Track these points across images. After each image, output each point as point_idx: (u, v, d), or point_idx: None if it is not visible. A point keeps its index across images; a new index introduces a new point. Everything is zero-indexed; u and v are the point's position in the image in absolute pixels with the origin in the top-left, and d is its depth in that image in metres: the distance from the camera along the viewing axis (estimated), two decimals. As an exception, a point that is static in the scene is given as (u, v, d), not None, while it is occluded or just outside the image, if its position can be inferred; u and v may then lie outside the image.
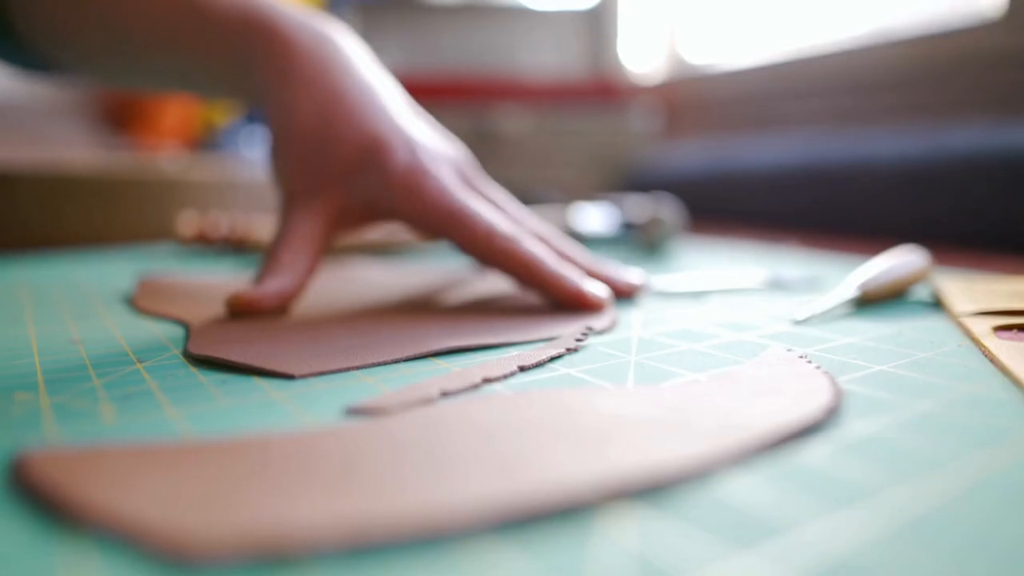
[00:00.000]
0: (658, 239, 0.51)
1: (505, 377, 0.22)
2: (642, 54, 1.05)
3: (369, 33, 1.01)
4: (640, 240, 0.51)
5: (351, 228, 0.33)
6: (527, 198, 0.72)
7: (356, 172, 0.32)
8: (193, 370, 0.22)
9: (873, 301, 0.32)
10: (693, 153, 0.83)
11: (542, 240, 0.35)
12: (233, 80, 0.35)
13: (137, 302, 0.33)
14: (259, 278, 0.30)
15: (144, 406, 0.19)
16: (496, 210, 0.35)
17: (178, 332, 0.27)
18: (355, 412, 0.18)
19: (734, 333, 0.27)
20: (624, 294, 0.34)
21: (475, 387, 0.21)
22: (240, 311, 0.29)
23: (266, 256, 0.31)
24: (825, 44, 0.77)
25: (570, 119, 0.90)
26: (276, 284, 0.29)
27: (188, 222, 0.53)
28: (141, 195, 0.61)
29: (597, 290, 0.31)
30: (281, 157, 0.32)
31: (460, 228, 0.31)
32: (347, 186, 0.32)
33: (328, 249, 0.33)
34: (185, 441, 0.16)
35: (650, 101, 1.01)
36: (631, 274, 0.35)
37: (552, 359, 0.24)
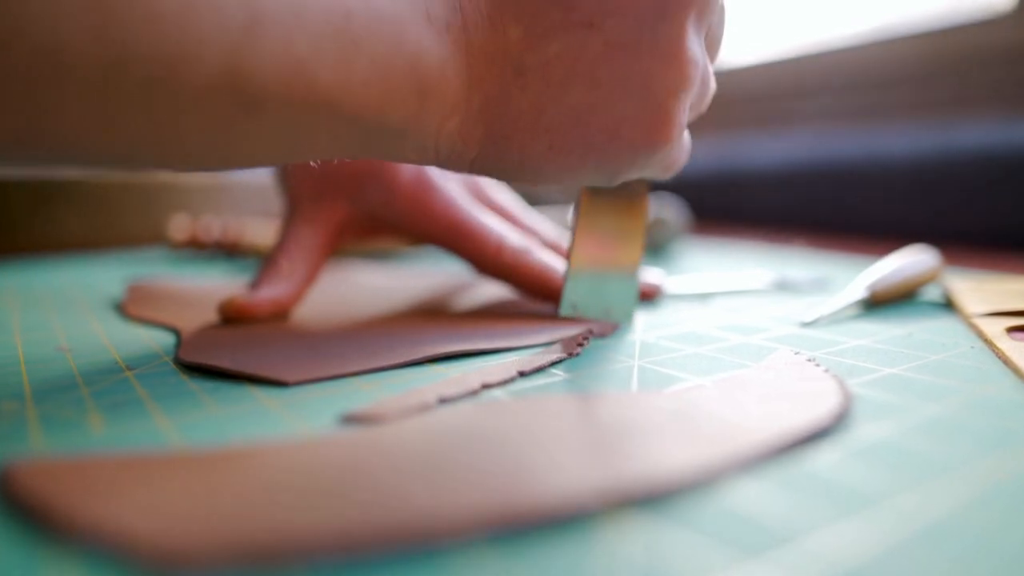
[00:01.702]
0: (662, 240, 0.51)
1: (505, 383, 0.21)
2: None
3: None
4: (643, 242, 0.51)
5: (355, 239, 0.33)
6: (528, 199, 0.72)
7: (361, 184, 0.31)
8: (184, 378, 0.22)
9: (882, 302, 0.32)
10: (697, 152, 0.83)
11: (555, 248, 0.34)
12: None
13: (127, 308, 0.32)
14: (255, 284, 0.29)
15: (134, 415, 0.18)
16: (505, 221, 0.34)
17: (168, 339, 0.27)
18: (351, 419, 0.18)
19: (740, 336, 0.27)
20: (644, 296, 0.33)
21: (474, 393, 0.20)
22: (233, 317, 0.28)
23: (265, 262, 0.30)
24: (832, 40, 0.77)
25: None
26: (271, 291, 0.29)
27: (179, 226, 0.53)
28: (132, 199, 0.60)
29: None
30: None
31: (468, 243, 0.30)
32: (352, 197, 0.31)
33: (329, 259, 0.32)
34: (176, 451, 0.15)
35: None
36: (650, 275, 0.34)
37: (553, 364, 0.23)
